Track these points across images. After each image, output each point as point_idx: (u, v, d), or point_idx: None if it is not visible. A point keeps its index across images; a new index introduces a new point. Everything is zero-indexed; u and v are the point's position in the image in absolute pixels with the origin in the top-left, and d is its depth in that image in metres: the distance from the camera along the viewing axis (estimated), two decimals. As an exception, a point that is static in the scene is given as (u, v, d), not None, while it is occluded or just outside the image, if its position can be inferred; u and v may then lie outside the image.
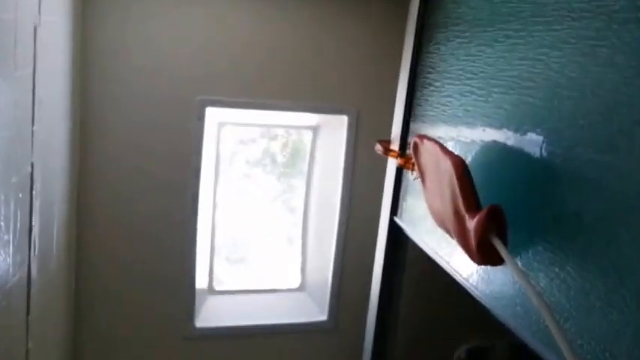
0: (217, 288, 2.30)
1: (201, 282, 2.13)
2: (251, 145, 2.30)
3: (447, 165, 0.68)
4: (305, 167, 2.31)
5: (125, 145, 1.83)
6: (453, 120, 0.86)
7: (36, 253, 1.30)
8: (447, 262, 0.84)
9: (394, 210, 1.09)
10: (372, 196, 1.85)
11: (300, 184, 2.35)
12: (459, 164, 0.65)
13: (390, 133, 1.12)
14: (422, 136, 0.81)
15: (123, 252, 1.91)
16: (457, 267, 0.81)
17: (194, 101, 1.84)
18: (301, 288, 2.37)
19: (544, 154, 0.63)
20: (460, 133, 0.83)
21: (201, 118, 1.85)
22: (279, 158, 2.34)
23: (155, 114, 1.83)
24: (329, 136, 2.18)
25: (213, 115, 1.96)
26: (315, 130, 2.25)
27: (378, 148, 1.10)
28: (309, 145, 2.28)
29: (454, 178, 0.65)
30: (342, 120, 2.02)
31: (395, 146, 1.08)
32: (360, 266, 2.03)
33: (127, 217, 1.89)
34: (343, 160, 2.06)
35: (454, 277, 0.82)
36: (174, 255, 1.96)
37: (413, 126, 1.04)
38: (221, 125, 2.14)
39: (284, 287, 2.38)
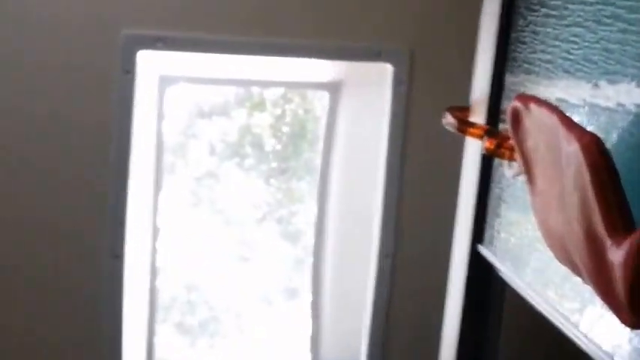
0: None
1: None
2: (219, 120, 2.31)
3: (572, 150, 0.68)
4: (317, 159, 2.32)
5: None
6: (585, 68, 0.86)
7: None
8: (574, 325, 0.84)
9: (478, 234, 1.08)
10: (437, 208, 1.84)
11: (308, 189, 2.36)
12: (595, 148, 0.65)
13: (467, 94, 1.11)
14: (528, 99, 0.81)
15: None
16: (591, 333, 0.82)
17: (116, 39, 1.85)
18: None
19: None
20: (596, 92, 0.83)
21: (129, 69, 1.86)
22: (270, 144, 2.35)
23: (44, 65, 1.84)
24: (360, 101, 2.17)
25: (152, 64, 1.97)
26: (334, 90, 2.25)
27: (450, 121, 1.10)
28: (325, 118, 2.28)
29: (585, 172, 0.65)
30: (383, 71, 2.01)
31: (478, 118, 1.08)
32: (419, 329, 2.01)
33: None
34: (386, 143, 2.05)
35: (586, 351, 0.82)
36: (79, 324, 1.98)
37: (511, 80, 1.04)
38: (165, 82, 2.15)
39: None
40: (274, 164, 2.36)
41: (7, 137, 1.88)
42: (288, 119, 2.34)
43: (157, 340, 2.30)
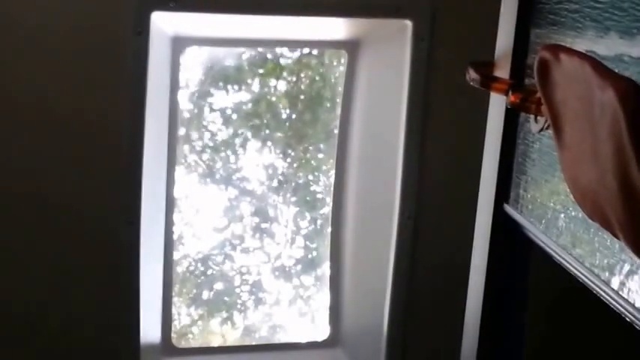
0: (180, 344, 2.34)
1: (150, 333, 2.16)
2: (234, 88, 2.30)
3: (607, 97, 0.67)
4: (335, 123, 2.31)
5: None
6: (614, 16, 0.84)
7: None
8: (605, 283, 0.85)
9: (503, 193, 1.08)
10: (461, 167, 1.84)
11: (326, 157, 2.36)
12: (632, 94, 0.65)
13: (492, 49, 1.12)
14: (557, 49, 0.80)
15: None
16: (623, 291, 0.82)
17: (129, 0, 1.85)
18: (333, 341, 2.39)
19: None
20: (635, 42, 0.81)
21: (141, 30, 1.85)
22: (286, 112, 2.35)
23: (54, 26, 1.84)
24: (379, 59, 2.16)
25: (165, 25, 1.96)
26: (352, 49, 2.24)
27: (473, 77, 1.11)
28: (343, 79, 2.26)
29: (622, 119, 0.64)
30: (403, 28, 2.00)
31: (503, 72, 1.08)
32: (443, 293, 2.03)
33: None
34: (406, 102, 2.04)
35: (617, 309, 0.83)
36: (97, 288, 2.00)
37: (536, 33, 1.03)
38: (179, 44, 2.14)
39: (303, 340, 2.42)
40: (290, 133, 2.36)
41: (16, 103, 1.87)
42: (304, 86, 2.33)
43: (176, 308, 2.32)
